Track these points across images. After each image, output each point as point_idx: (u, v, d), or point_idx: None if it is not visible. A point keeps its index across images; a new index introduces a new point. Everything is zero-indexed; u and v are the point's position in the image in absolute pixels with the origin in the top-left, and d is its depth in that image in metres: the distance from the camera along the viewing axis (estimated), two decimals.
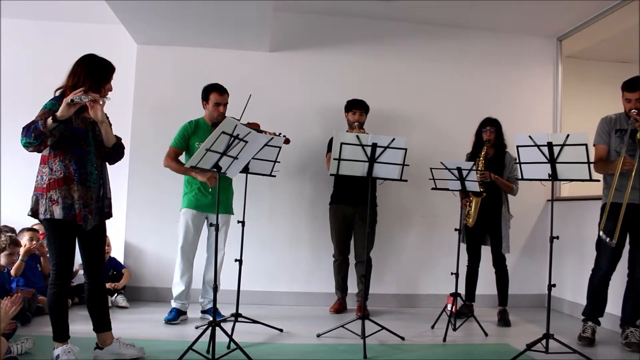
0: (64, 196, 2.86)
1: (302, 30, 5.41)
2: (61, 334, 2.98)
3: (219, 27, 4.76)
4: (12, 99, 5.29)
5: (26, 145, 2.79)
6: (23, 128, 2.78)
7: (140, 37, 5.08)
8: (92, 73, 2.95)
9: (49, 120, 2.74)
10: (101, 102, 2.87)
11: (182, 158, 4.36)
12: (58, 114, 2.73)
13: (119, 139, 3.10)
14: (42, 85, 5.20)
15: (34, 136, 2.74)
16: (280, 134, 4.23)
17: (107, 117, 3.04)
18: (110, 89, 3.06)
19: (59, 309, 2.98)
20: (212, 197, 4.18)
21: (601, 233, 3.64)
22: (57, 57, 5.33)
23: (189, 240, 4.27)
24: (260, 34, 4.89)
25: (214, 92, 4.30)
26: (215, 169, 3.30)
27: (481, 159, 4.42)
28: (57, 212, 2.85)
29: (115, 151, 3.08)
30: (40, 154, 2.95)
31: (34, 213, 2.92)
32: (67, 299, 3.04)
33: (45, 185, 2.88)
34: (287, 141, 4.29)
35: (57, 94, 2.94)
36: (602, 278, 3.83)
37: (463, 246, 4.56)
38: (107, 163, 3.15)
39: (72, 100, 2.72)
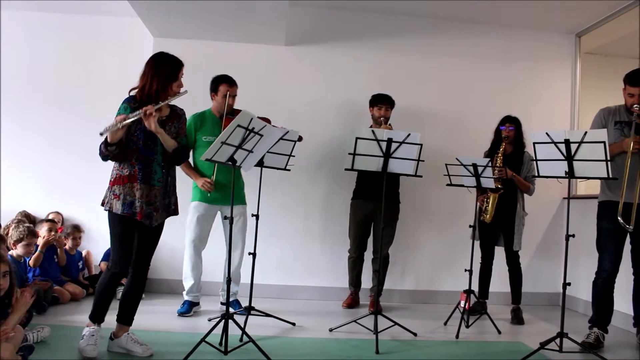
0: (125, 193, 3.00)
1: (318, 24, 5.39)
2: (96, 316, 3.09)
3: (235, 20, 4.76)
4: (31, 91, 5.35)
5: (105, 161, 3.00)
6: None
7: (156, 30, 5.10)
8: (159, 74, 3.03)
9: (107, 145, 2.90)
10: (154, 112, 2.91)
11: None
12: (109, 139, 2.87)
13: (179, 144, 3.15)
14: (60, 77, 5.37)
15: (102, 157, 2.96)
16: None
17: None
18: (181, 86, 3.13)
19: (106, 292, 3.10)
20: (222, 190, 4.19)
21: (619, 218, 3.50)
22: (75, 50, 5.42)
23: (200, 234, 4.26)
24: (276, 28, 4.88)
25: (224, 84, 4.26)
26: (230, 162, 3.31)
27: (499, 155, 4.39)
28: (117, 206, 2.99)
29: (174, 156, 3.14)
30: None
31: (103, 203, 3.07)
32: (117, 286, 3.21)
33: (112, 180, 3.05)
34: (300, 139, 4.23)
35: (132, 93, 3.04)
36: (607, 281, 3.70)
37: (477, 243, 4.54)
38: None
39: (101, 134, 2.85)
